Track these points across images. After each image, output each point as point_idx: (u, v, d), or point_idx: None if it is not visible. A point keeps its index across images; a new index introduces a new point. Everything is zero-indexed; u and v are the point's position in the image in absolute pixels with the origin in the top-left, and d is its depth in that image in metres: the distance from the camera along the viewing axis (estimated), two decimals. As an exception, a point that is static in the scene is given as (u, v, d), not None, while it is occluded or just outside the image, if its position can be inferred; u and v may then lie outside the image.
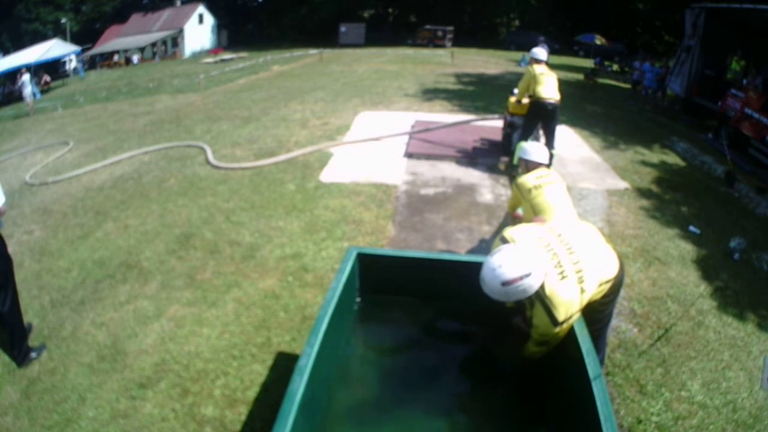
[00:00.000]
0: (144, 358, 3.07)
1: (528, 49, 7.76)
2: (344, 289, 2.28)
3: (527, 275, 1.87)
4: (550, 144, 5.74)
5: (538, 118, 5.74)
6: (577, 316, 2.01)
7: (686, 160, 7.18)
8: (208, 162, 6.64)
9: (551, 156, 5.40)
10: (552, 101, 5.55)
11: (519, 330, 2.32)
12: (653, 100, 12.01)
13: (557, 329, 1.97)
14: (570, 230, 2.17)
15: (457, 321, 2.62)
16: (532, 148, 3.43)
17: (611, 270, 2.15)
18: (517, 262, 1.88)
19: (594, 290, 2.05)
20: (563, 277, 1.95)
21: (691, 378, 2.91)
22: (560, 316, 1.93)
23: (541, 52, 5.82)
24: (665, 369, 2.97)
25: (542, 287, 1.93)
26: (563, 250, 2.03)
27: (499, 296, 1.93)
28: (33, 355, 3.16)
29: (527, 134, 5.71)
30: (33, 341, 3.27)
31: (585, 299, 2.00)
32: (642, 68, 12.99)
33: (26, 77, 15.12)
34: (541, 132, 5.91)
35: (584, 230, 2.24)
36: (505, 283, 1.87)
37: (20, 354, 3.11)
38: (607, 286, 2.15)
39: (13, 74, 18.36)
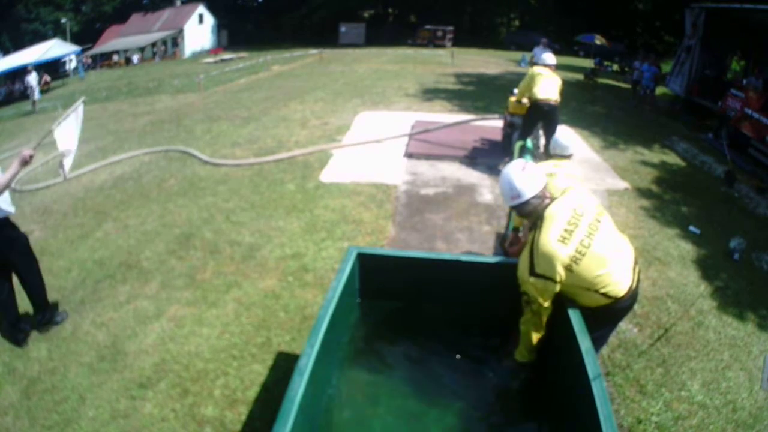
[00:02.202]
0: (144, 358, 3.07)
1: (528, 49, 7.79)
2: (344, 289, 2.28)
3: (526, 189, 2.08)
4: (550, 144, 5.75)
5: (536, 119, 5.74)
6: (553, 288, 2.02)
7: (686, 160, 7.18)
8: (201, 160, 6.64)
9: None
10: (549, 102, 5.55)
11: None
12: (651, 100, 12.01)
13: (532, 279, 2.03)
14: (609, 228, 2.14)
15: (456, 321, 2.62)
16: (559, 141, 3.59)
17: (619, 289, 2.06)
18: (533, 180, 2.10)
19: (584, 281, 2.01)
20: (563, 242, 1.99)
21: (691, 378, 2.91)
22: (537, 267, 2.00)
23: (549, 57, 5.86)
24: (665, 369, 2.97)
25: (539, 235, 2.01)
26: (585, 229, 2.03)
27: (504, 184, 2.16)
28: (58, 318, 3.36)
29: (526, 134, 5.71)
30: (33, 341, 3.28)
31: (565, 276, 2.00)
32: (641, 68, 12.98)
33: (33, 75, 15.11)
34: (541, 132, 5.92)
35: (620, 242, 2.19)
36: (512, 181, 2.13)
37: (44, 317, 3.29)
38: (603, 300, 2.06)
39: (14, 74, 18.37)
